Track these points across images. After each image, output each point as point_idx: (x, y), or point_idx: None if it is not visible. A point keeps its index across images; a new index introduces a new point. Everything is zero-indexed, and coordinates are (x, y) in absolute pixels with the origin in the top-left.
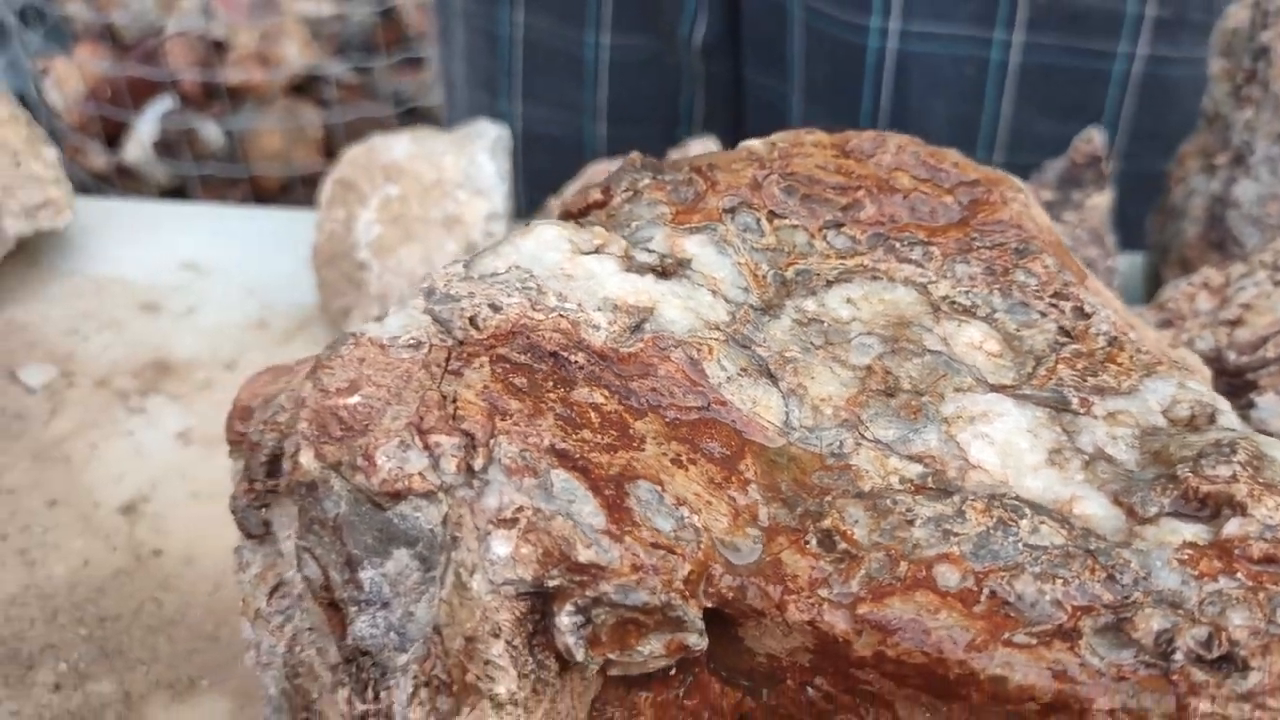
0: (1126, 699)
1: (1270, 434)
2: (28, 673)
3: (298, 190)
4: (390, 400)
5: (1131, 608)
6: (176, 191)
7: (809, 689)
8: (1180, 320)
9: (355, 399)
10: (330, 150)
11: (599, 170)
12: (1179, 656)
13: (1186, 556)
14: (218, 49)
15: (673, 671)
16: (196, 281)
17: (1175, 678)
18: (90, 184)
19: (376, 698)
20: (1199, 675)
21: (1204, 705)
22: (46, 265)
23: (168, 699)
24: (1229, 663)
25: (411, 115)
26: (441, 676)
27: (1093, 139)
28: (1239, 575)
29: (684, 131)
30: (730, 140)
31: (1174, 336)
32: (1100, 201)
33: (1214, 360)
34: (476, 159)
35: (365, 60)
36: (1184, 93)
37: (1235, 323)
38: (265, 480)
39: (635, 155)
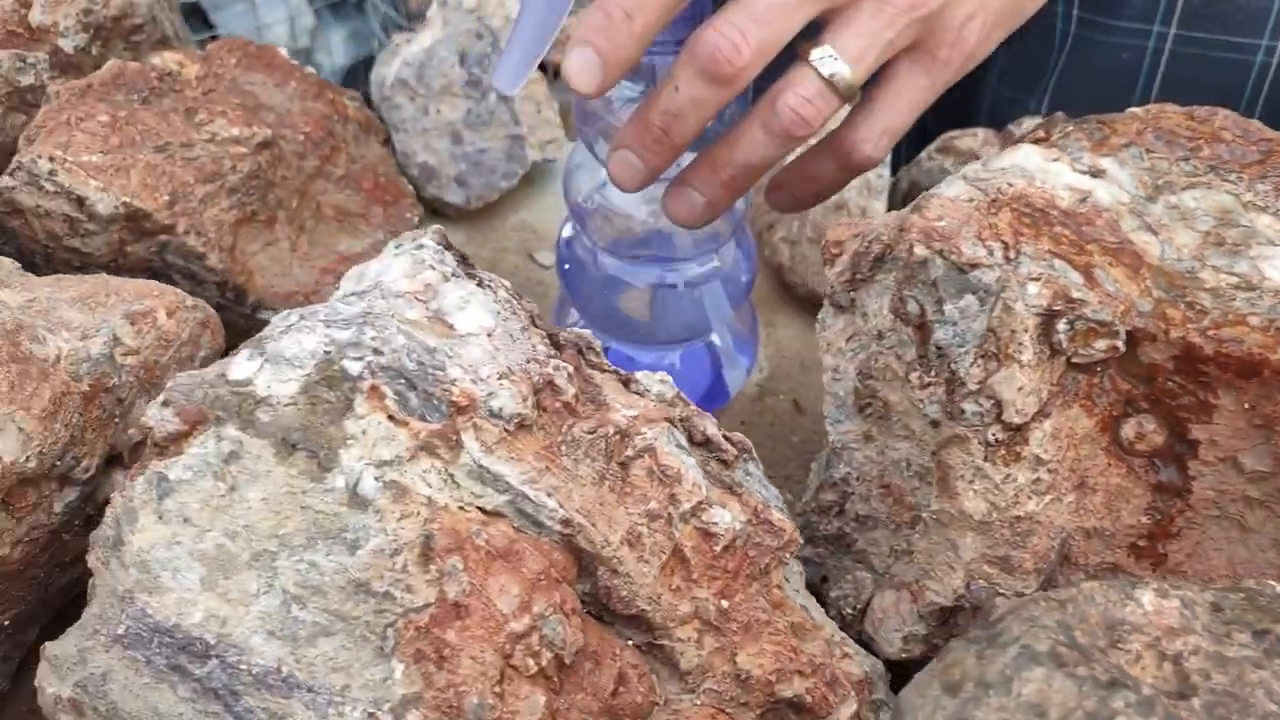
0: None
1: None
2: None
3: None
4: (961, 225)
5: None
6: None
7: (1169, 382)
8: None
9: (943, 223)
10: None
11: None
12: None
13: None
14: None
15: (1098, 368)
16: None
17: None
18: None
19: (936, 373)
20: None
21: None
22: (541, 186)
23: None
24: None
25: None
26: (991, 350)
27: None
28: None
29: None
30: None
31: None
32: None
33: None
34: None
35: None
36: None
37: None
38: (867, 271)
39: (1059, 115)
